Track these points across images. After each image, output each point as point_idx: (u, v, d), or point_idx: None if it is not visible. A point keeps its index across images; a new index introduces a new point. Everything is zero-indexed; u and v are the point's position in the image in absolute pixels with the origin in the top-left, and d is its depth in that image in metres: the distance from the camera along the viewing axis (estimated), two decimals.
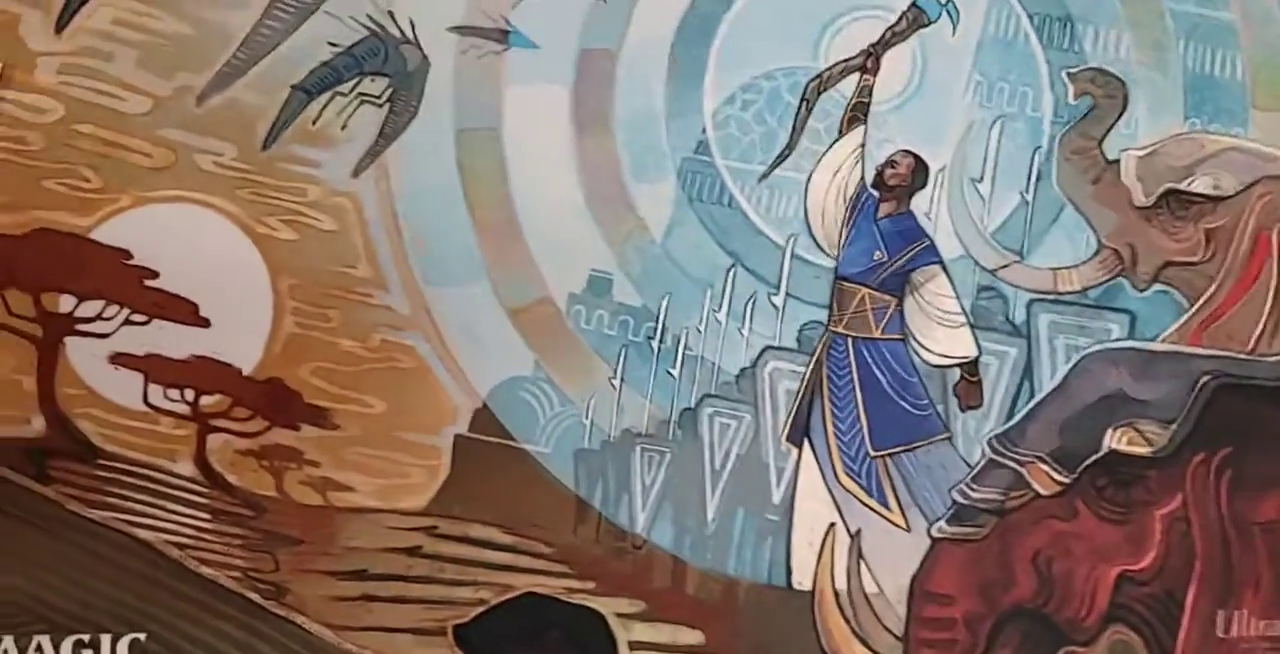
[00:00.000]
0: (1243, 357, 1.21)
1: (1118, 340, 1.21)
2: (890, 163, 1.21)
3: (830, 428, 1.19)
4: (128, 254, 1.12)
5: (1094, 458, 1.18)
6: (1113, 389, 1.19)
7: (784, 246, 1.20)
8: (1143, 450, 1.18)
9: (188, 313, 1.11)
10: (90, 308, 1.11)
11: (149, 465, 1.11)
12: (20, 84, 1.11)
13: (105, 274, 1.11)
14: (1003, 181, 1.22)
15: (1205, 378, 1.19)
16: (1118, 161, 1.23)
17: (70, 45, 1.13)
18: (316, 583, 1.11)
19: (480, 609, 1.13)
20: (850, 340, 1.20)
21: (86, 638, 1.08)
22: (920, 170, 1.21)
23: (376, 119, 1.16)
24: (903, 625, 1.18)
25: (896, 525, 1.18)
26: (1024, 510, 1.18)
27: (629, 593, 1.15)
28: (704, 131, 1.20)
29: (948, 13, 1.23)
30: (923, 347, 1.20)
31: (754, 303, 1.19)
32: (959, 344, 1.20)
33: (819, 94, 1.21)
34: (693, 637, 1.15)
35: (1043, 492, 1.18)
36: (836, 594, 1.17)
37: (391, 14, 1.17)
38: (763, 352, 1.18)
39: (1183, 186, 1.23)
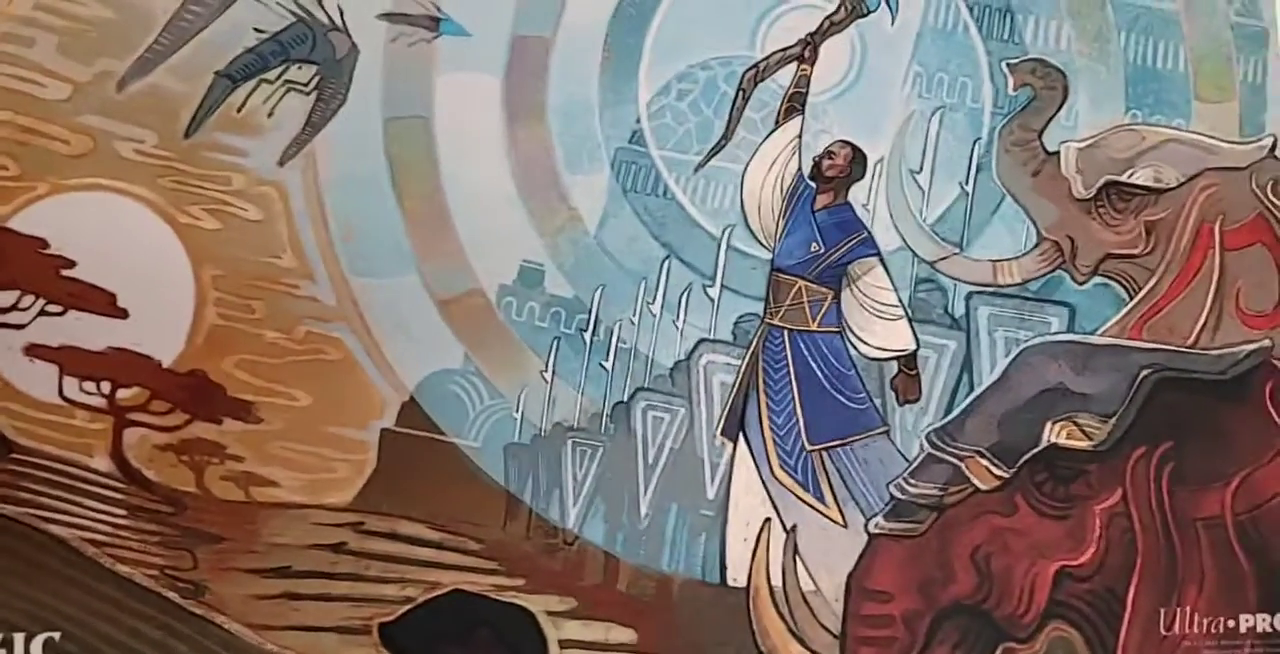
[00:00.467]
0: (1184, 350, 1.20)
1: (1058, 333, 1.20)
2: (828, 154, 1.20)
3: (766, 422, 1.17)
4: (44, 243, 1.09)
5: (1033, 452, 1.17)
6: (1053, 383, 1.18)
7: (719, 238, 1.18)
8: (1082, 445, 1.17)
9: (105, 303, 1.09)
10: (5, 298, 1.08)
11: (64, 460, 1.08)
12: None
13: (21, 264, 1.08)
14: (942, 173, 1.21)
15: (1146, 372, 1.18)
16: (1058, 153, 1.22)
17: None
18: (237, 581, 1.09)
19: (407, 607, 1.10)
20: (786, 333, 1.18)
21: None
22: (858, 161, 1.20)
23: (303, 107, 1.14)
24: (840, 623, 1.16)
25: (833, 521, 1.16)
26: (963, 506, 1.17)
27: (560, 590, 1.13)
28: (639, 121, 1.18)
29: (886, 3, 1.22)
30: (860, 339, 1.18)
31: (689, 295, 1.17)
32: (897, 337, 1.18)
33: (756, 84, 1.20)
34: (625, 635, 1.13)
35: (982, 486, 1.17)
36: (772, 591, 1.15)
37: (320, 0, 1.15)
38: (697, 344, 1.17)
39: (1123, 178, 1.22)
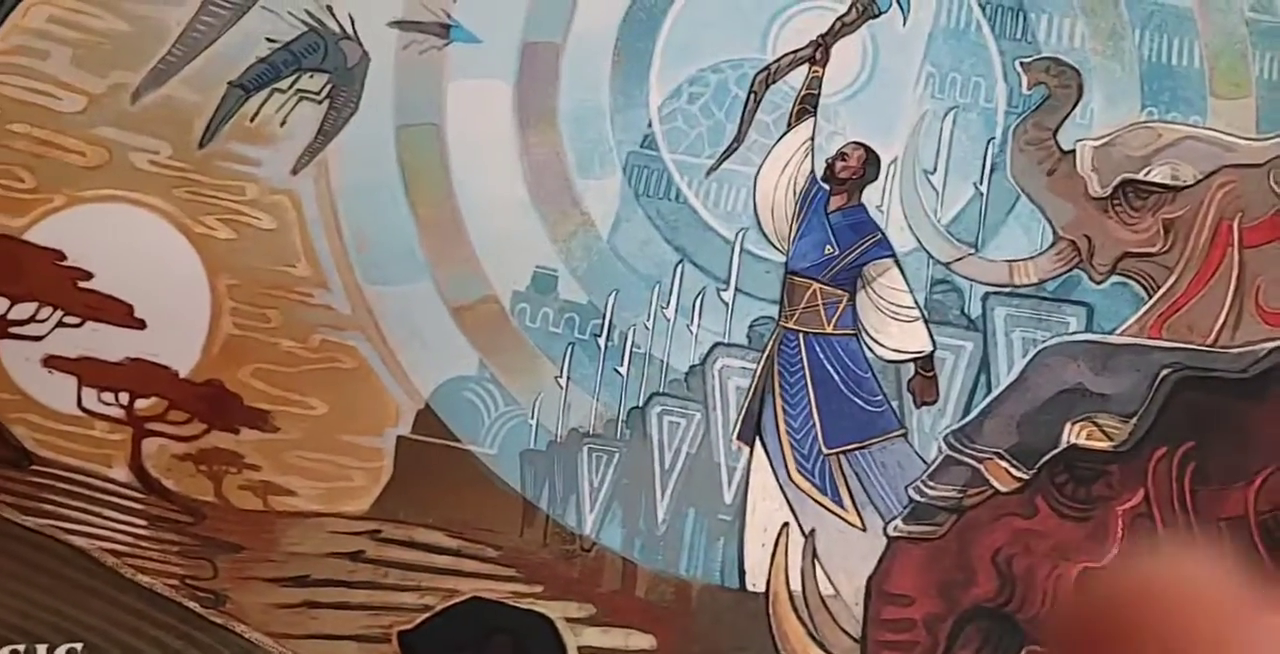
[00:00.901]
0: (1204, 348, 1.19)
1: (1076, 333, 1.19)
2: (841, 155, 1.19)
3: (782, 426, 1.17)
4: (61, 255, 1.10)
5: (1053, 453, 1.16)
6: (1071, 383, 1.17)
7: (733, 241, 1.18)
8: (1103, 445, 1.16)
9: (122, 314, 1.09)
10: (23, 310, 1.09)
11: (84, 471, 1.09)
12: None
13: (38, 276, 1.09)
14: (956, 173, 1.20)
15: (1166, 371, 1.17)
16: (1073, 152, 1.21)
17: (4, 45, 1.12)
18: (257, 590, 1.09)
19: (425, 615, 1.10)
20: (802, 336, 1.17)
21: (22, 648, 1.06)
22: (871, 163, 1.19)
23: (316, 116, 1.14)
24: (860, 627, 1.15)
25: (852, 525, 1.16)
26: (982, 508, 1.16)
27: (578, 596, 1.12)
28: (650, 125, 1.18)
29: (898, 3, 1.22)
30: (876, 342, 1.18)
31: (703, 299, 1.17)
32: (913, 339, 1.18)
33: (767, 86, 1.19)
34: (644, 640, 1.13)
35: (1001, 488, 1.16)
36: (791, 596, 1.14)
37: (330, 9, 1.15)
38: (712, 348, 1.16)
39: (1140, 176, 1.21)
